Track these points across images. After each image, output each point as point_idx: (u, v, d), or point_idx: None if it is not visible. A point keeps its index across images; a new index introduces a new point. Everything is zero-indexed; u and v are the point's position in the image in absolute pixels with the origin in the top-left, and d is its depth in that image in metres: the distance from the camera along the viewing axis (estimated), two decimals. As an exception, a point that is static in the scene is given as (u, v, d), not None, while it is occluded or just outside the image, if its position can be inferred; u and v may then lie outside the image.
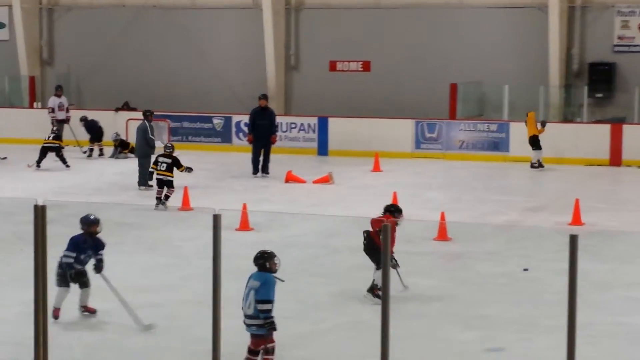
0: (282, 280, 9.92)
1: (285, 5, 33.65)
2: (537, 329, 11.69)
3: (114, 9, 35.38)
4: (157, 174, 20.34)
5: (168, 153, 20.63)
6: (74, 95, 34.90)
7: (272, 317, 9.70)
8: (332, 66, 33.58)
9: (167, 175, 20.30)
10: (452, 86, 30.13)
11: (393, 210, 13.47)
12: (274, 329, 9.77)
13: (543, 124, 26.92)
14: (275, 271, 9.88)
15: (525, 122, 27.02)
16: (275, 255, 9.91)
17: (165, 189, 20.11)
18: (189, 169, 21.04)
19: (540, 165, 26.51)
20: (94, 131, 28.96)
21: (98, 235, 12.20)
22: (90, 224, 12.14)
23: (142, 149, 22.95)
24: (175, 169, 20.47)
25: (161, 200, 20.05)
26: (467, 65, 31.43)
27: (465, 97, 30.77)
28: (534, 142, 26.62)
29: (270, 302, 9.69)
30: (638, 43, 30.55)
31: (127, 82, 34.69)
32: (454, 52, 31.86)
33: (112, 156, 28.63)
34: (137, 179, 22.81)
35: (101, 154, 28.75)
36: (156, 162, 20.55)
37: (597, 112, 30.32)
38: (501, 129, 28.63)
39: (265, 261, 9.87)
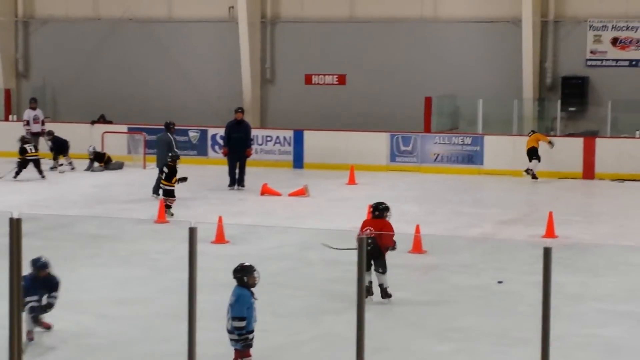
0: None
1: (261, 19, 33.73)
2: (512, 340, 11.75)
3: (90, 22, 35.35)
4: (161, 184, 20.90)
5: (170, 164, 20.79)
6: (50, 108, 34.83)
7: (245, 333, 9.68)
8: (308, 79, 33.68)
9: (166, 185, 20.57)
10: (426, 99, 30.26)
11: (382, 209, 13.55)
12: (248, 346, 9.75)
13: (551, 143, 27.37)
14: (253, 285, 9.88)
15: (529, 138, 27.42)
16: (254, 269, 9.90)
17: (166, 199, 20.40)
18: (183, 179, 20.85)
19: (534, 177, 26.75)
20: (58, 146, 28.62)
21: (52, 274, 11.54)
22: (39, 268, 11.41)
23: (164, 160, 22.07)
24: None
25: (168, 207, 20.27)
26: (441, 78, 31.60)
27: (440, 111, 30.91)
28: (533, 153, 26.94)
29: (244, 319, 9.67)
30: (610, 57, 30.80)
31: (103, 95, 34.66)
32: (429, 65, 32.02)
33: (88, 169, 28.56)
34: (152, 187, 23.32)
35: (72, 167, 28.53)
36: (161, 171, 21.08)
37: (570, 125, 30.54)
38: (475, 142, 28.77)
39: (243, 275, 9.87)
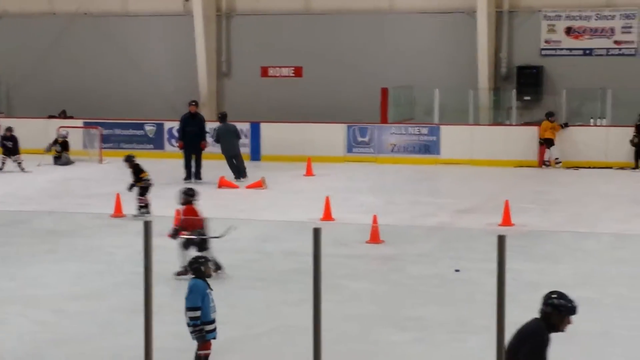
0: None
1: (216, 12, 33.65)
2: (469, 329, 11.81)
3: (45, 17, 35.10)
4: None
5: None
6: (4, 103, 34.55)
7: (200, 324, 9.62)
8: (264, 72, 33.65)
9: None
10: (383, 90, 30.33)
11: (192, 195, 14.90)
12: (201, 337, 9.67)
13: (564, 125, 27.90)
14: (209, 276, 9.87)
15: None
16: (210, 260, 9.89)
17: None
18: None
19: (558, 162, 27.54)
20: (14, 144, 27.94)
21: None
22: None
23: (236, 148, 25.80)
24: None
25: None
26: (397, 69, 31.69)
27: (396, 101, 30.99)
28: (548, 142, 27.46)
29: (197, 308, 9.61)
30: (564, 46, 31.03)
31: (58, 90, 34.44)
32: (385, 56, 32.10)
33: (61, 160, 28.39)
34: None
35: (22, 169, 27.23)
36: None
37: (526, 114, 30.74)
38: (432, 132, 28.88)
39: (200, 265, 9.85)
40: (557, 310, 7.72)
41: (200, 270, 9.81)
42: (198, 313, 9.58)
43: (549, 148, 27.58)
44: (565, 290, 14.00)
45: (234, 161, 25.59)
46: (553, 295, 7.74)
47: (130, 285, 13.18)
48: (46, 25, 35.07)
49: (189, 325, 9.64)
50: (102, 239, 17.63)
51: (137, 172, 19.98)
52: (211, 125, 27.00)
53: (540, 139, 27.71)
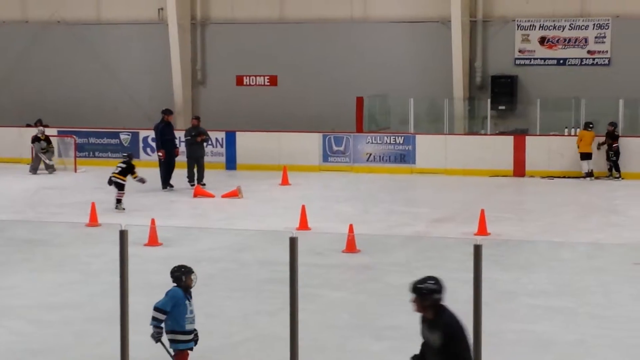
0: None
1: (191, 20, 33.61)
2: (446, 338, 11.81)
3: (17, 25, 34.95)
4: (113, 177, 21.88)
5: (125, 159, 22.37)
6: (-24, 112, 34.37)
7: (160, 326, 9.55)
8: (239, 81, 33.63)
9: (119, 178, 21.79)
10: (358, 100, 30.38)
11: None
12: (155, 338, 9.60)
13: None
14: (190, 287, 9.80)
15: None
16: (193, 272, 9.81)
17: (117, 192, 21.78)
18: (142, 180, 22.16)
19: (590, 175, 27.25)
20: None
21: None
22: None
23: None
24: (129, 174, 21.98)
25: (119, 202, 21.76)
26: (372, 78, 31.74)
27: (372, 111, 31.05)
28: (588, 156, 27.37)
29: (162, 311, 9.55)
30: (538, 56, 31.17)
31: (32, 98, 34.29)
32: (360, 66, 32.15)
33: (47, 164, 28.38)
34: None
35: None
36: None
37: (500, 124, 30.85)
38: (407, 142, 28.93)
39: (182, 274, 9.79)
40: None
41: (180, 279, 9.77)
42: (162, 316, 9.54)
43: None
44: (541, 300, 14.09)
45: (197, 165, 25.76)
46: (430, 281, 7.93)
47: (106, 294, 13.13)
48: (19, 33, 34.92)
49: (167, 332, 9.61)
50: (77, 248, 17.57)
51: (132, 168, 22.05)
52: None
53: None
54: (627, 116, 28.69)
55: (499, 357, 10.67)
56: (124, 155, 22.97)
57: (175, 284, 9.74)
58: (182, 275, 9.77)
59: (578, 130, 28.43)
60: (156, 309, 9.55)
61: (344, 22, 32.51)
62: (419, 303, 7.85)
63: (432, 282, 7.91)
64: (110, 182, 21.86)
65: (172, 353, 9.66)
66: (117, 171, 21.93)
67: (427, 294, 7.84)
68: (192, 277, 9.81)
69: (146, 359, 9.91)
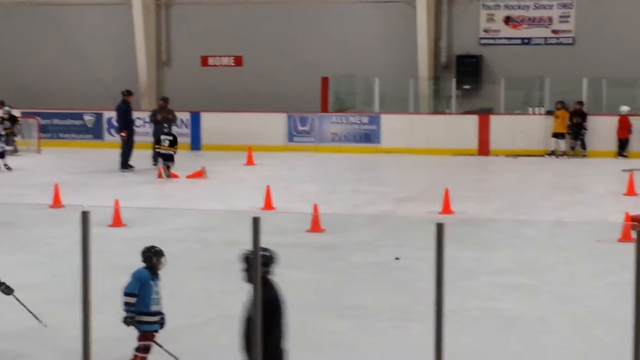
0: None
1: (155, 1, 33.44)
2: (411, 316, 11.88)
3: (-20, 4, 34.65)
4: (163, 150, 24.05)
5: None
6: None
7: (134, 312, 9.55)
8: (204, 61, 33.53)
9: (170, 150, 24.16)
10: (323, 80, 30.39)
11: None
12: (133, 325, 9.60)
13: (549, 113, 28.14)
14: (158, 269, 9.78)
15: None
16: (164, 255, 9.79)
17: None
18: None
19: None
20: None
21: None
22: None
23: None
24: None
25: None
26: (338, 58, 31.74)
27: (337, 90, 31.08)
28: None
29: (133, 295, 9.54)
30: (503, 36, 31.28)
31: (-5, 79, 34.03)
32: (325, 45, 32.13)
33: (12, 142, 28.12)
34: None
35: None
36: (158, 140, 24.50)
37: (465, 103, 30.97)
38: (372, 121, 28.99)
39: (152, 255, 9.77)
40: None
41: (151, 260, 9.74)
42: (133, 300, 9.53)
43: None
44: (503, 277, 14.20)
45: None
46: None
47: (69, 276, 13.07)
48: (-18, 14, 34.65)
49: (123, 310, 9.60)
50: (41, 230, 17.49)
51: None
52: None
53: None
54: (591, 95, 28.87)
55: (461, 334, 10.74)
56: (164, 127, 24.76)
57: (144, 264, 9.73)
58: (152, 257, 9.75)
59: (542, 109, 28.60)
60: (126, 294, 9.53)
61: (310, 2, 32.47)
62: (247, 273, 7.87)
63: (264, 252, 7.93)
64: (157, 156, 24.17)
65: (159, 343, 9.69)
66: (166, 144, 24.09)
67: (267, 264, 7.96)
68: (162, 260, 9.79)
69: (110, 339, 9.89)
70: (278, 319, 7.64)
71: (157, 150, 24.48)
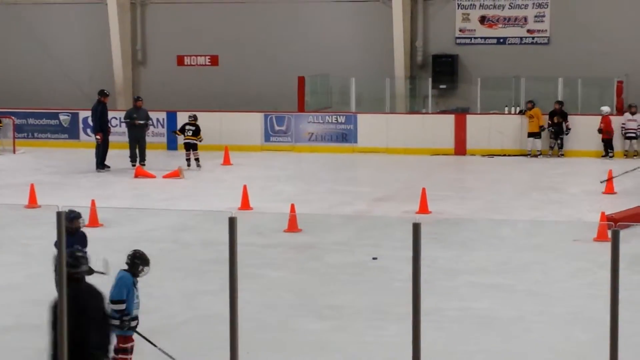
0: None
1: (130, 0, 33.31)
2: (388, 316, 11.88)
3: (-47, 3, 34.41)
4: (188, 139, 25.20)
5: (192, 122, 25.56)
6: None
7: (127, 315, 9.55)
8: (180, 61, 33.43)
9: (194, 140, 25.34)
10: (299, 79, 30.33)
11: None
12: (131, 328, 9.61)
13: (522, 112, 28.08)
14: (138, 275, 9.74)
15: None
16: (149, 265, 9.75)
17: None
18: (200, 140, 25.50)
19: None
20: None
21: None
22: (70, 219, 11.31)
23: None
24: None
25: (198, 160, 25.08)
26: (314, 58, 31.71)
27: (313, 90, 31.03)
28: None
29: (121, 301, 9.52)
30: (478, 35, 31.34)
31: (-32, 79, 33.82)
32: (301, 45, 32.10)
33: None
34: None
35: None
36: (182, 130, 25.59)
37: (442, 102, 30.99)
38: (349, 121, 28.98)
39: (140, 263, 9.72)
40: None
41: (136, 266, 9.69)
42: (123, 306, 9.50)
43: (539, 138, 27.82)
44: (481, 277, 14.23)
45: (138, 146, 26.02)
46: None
47: (45, 276, 12.99)
48: (-44, 13, 34.42)
49: (114, 318, 9.55)
50: (16, 230, 17.40)
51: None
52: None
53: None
54: (567, 95, 28.95)
55: (439, 334, 10.76)
56: (190, 117, 25.73)
57: (127, 267, 9.68)
58: (139, 264, 9.70)
59: (518, 108, 28.64)
60: (113, 301, 9.46)
61: (285, 1, 32.43)
62: (72, 273, 7.89)
63: (81, 254, 8.36)
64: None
65: (153, 343, 9.70)
66: (189, 134, 25.22)
67: (78, 265, 8.12)
68: (146, 269, 9.78)
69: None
70: (84, 319, 7.73)
71: (185, 140, 25.45)
